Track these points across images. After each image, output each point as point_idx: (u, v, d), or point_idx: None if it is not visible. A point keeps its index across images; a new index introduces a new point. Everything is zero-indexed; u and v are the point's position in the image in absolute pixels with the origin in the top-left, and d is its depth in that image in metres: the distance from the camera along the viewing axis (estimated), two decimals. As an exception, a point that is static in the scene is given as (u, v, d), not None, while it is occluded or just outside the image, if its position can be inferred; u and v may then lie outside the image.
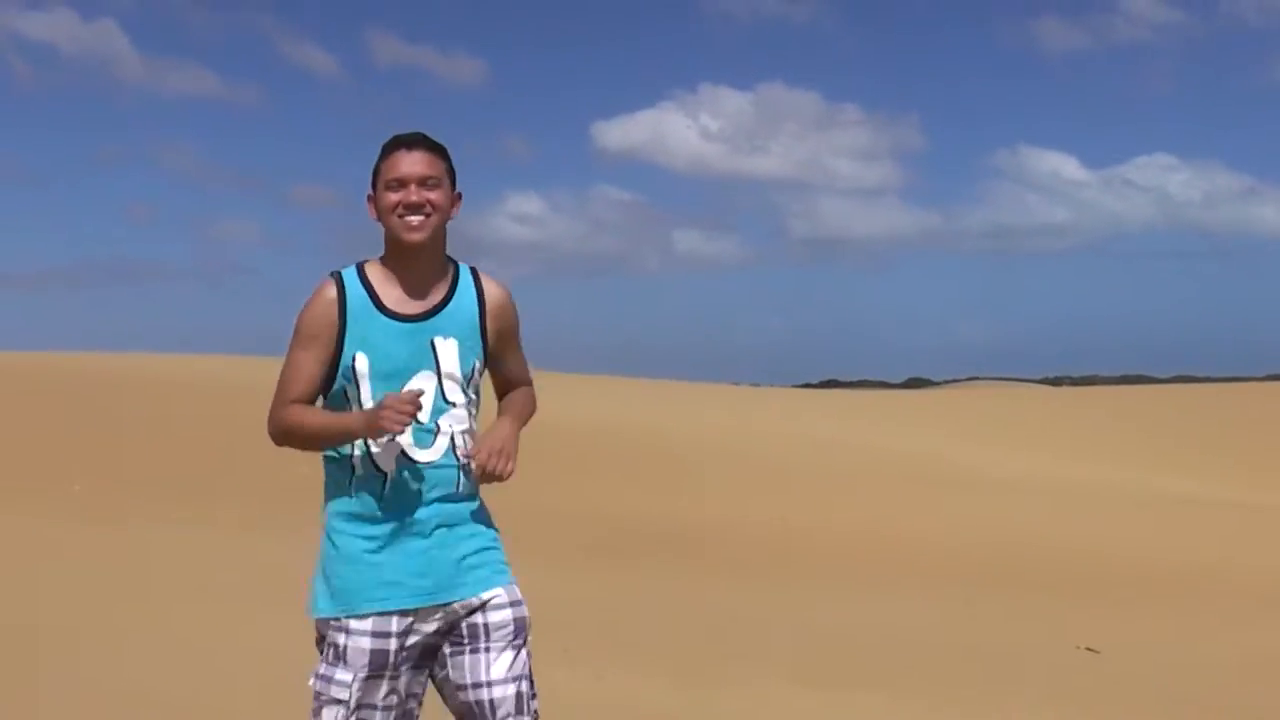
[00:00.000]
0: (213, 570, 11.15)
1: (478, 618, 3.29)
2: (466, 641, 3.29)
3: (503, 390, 3.54)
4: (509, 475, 3.29)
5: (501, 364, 3.48)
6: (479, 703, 3.26)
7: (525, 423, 3.48)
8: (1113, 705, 8.38)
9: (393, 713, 3.29)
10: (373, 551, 3.26)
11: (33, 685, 6.26)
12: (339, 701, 3.24)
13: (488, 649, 3.28)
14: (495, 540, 3.39)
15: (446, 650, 3.31)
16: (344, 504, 3.30)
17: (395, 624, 3.25)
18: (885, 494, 23.81)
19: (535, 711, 3.32)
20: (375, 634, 3.24)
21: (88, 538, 12.87)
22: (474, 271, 3.41)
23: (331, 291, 3.27)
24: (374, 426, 3.14)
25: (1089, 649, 10.46)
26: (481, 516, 3.38)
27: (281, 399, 3.29)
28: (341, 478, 3.31)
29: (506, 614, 3.30)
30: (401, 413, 3.11)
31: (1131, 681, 9.43)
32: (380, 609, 3.24)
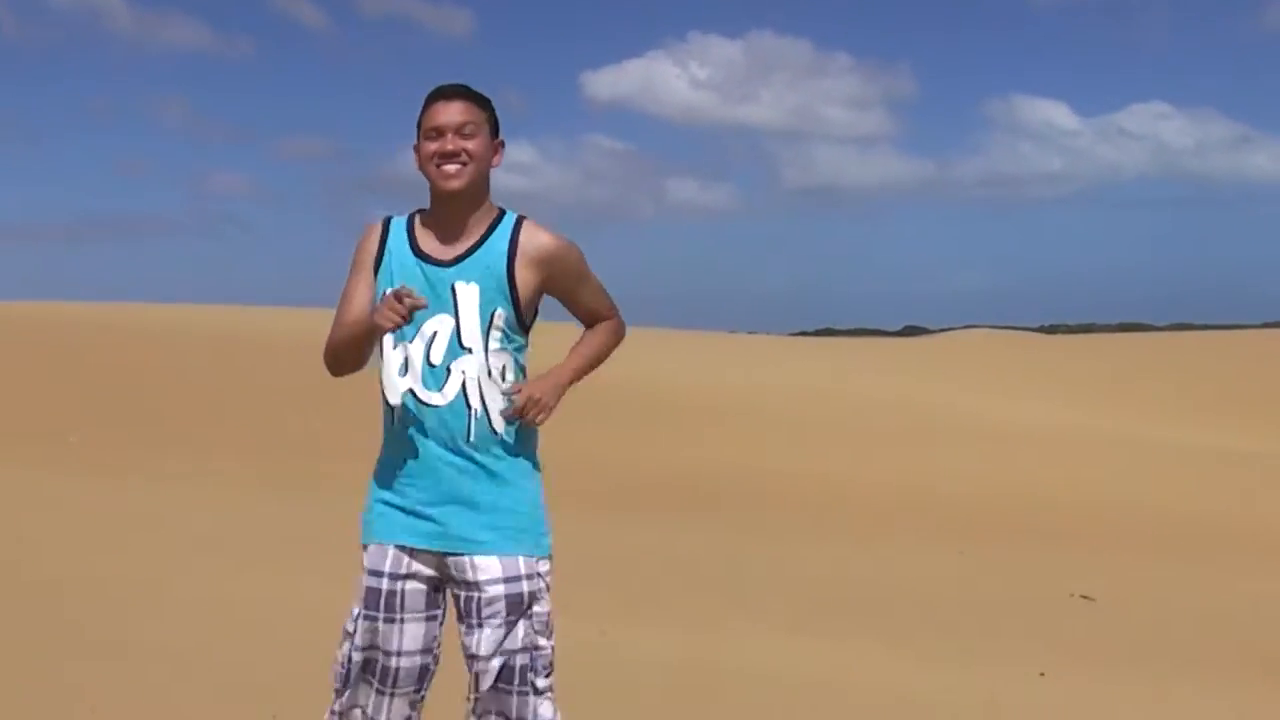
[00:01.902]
0: (213, 524, 11.17)
1: (473, 591, 3.28)
2: (462, 615, 3.32)
3: (585, 322, 3.58)
4: (540, 423, 3.34)
5: (572, 304, 3.50)
6: (473, 673, 3.32)
7: (590, 366, 3.53)
8: (1107, 652, 8.42)
9: (399, 659, 3.30)
10: (382, 485, 3.36)
11: (36, 640, 6.27)
12: (347, 635, 3.34)
13: (480, 625, 3.27)
14: (521, 504, 3.32)
15: (460, 619, 3.34)
16: (383, 437, 3.42)
17: (389, 562, 3.30)
18: (881, 443, 23.86)
19: (534, 684, 3.28)
20: (372, 571, 3.32)
21: (86, 489, 12.88)
22: (519, 220, 3.39)
23: (377, 229, 3.41)
24: (373, 321, 3.23)
25: (1084, 597, 10.51)
26: (509, 478, 3.32)
27: (334, 326, 3.42)
28: (383, 413, 3.41)
29: (498, 590, 3.26)
30: (391, 309, 3.16)
31: (1126, 629, 9.48)
32: (378, 540, 3.32)
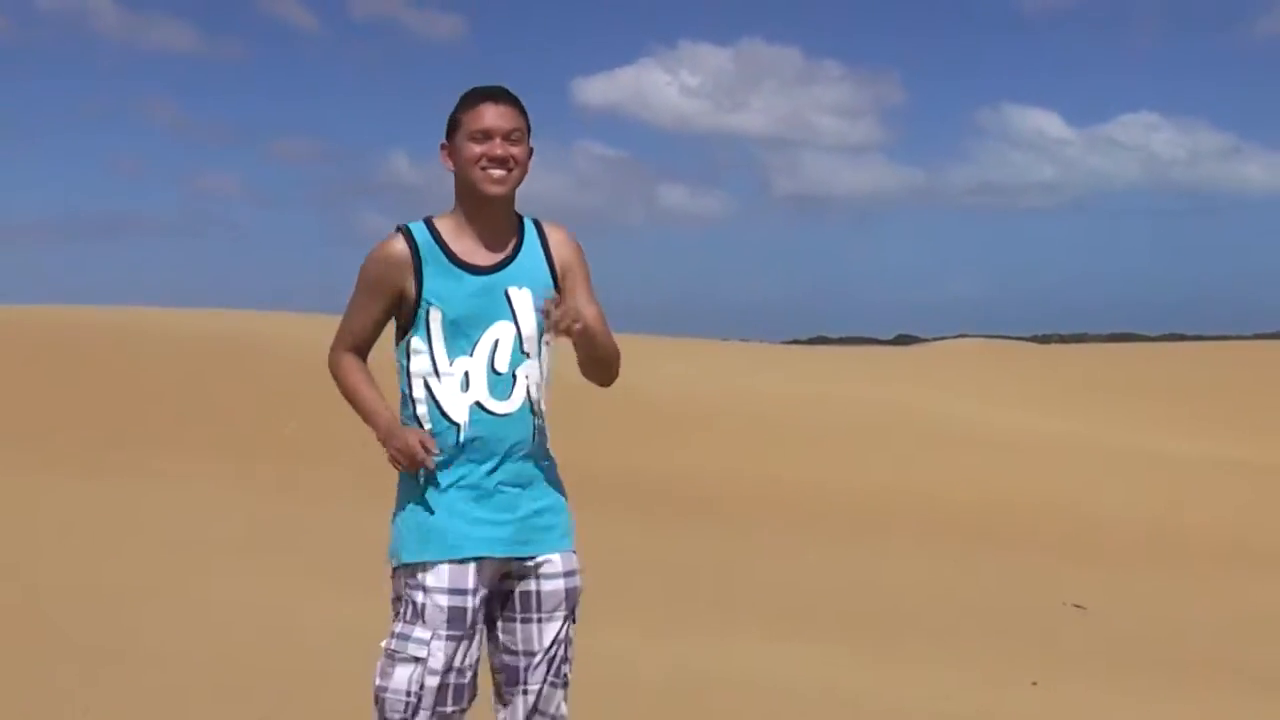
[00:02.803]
0: (200, 527, 11.12)
1: (531, 584, 3.31)
2: (519, 609, 3.31)
3: None
4: (578, 332, 3.16)
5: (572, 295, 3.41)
6: (518, 668, 3.32)
7: (605, 344, 3.37)
8: (1098, 662, 8.40)
9: (468, 674, 3.27)
10: (445, 503, 3.25)
11: (26, 643, 6.23)
12: (417, 660, 3.20)
13: (540, 619, 3.31)
14: (563, 505, 3.40)
15: (499, 612, 3.32)
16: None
17: (471, 578, 3.23)
18: (874, 450, 23.85)
19: (565, 676, 3.37)
20: (453, 590, 3.22)
21: (73, 492, 12.82)
22: (536, 221, 3.43)
23: (398, 245, 3.28)
24: (384, 443, 3.24)
25: (1075, 605, 10.49)
26: (552, 478, 3.39)
27: (340, 338, 3.40)
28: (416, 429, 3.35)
29: (559, 584, 3.33)
30: (411, 459, 3.18)
31: (1117, 638, 9.46)
32: (451, 557, 3.22)
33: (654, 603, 9.14)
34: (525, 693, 3.31)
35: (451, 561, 3.21)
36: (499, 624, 3.32)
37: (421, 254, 3.28)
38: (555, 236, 3.41)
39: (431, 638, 3.20)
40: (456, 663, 3.22)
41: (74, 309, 37.11)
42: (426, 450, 3.19)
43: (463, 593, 3.22)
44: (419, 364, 3.29)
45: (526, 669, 3.30)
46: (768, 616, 9.08)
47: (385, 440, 3.24)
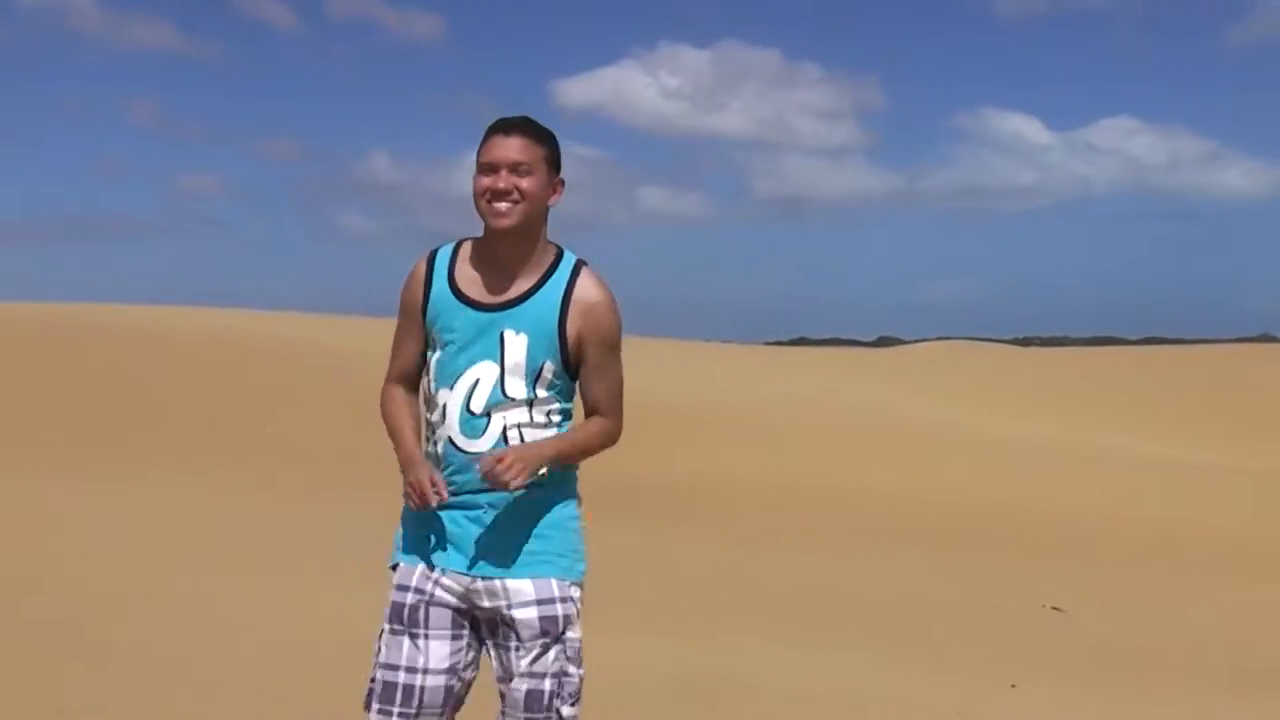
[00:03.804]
0: (190, 525, 11.12)
1: (505, 613, 3.25)
2: (500, 639, 3.29)
3: (588, 409, 3.37)
4: (511, 487, 3.13)
5: (583, 379, 3.31)
6: (503, 694, 3.29)
7: (577, 451, 3.30)
8: (1078, 663, 8.47)
9: (424, 678, 3.25)
10: (414, 513, 3.28)
11: (16, 641, 6.25)
12: (375, 653, 3.30)
13: (517, 648, 3.25)
14: (555, 528, 3.29)
15: (489, 643, 3.32)
16: None
17: (415, 578, 3.28)
18: (856, 453, 23.91)
19: (558, 711, 3.24)
20: (399, 586, 3.29)
21: (61, 491, 12.81)
22: (577, 267, 3.28)
23: (420, 266, 3.32)
24: (403, 475, 3.25)
25: (1055, 608, 10.56)
26: (547, 504, 3.29)
27: (390, 370, 3.40)
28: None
29: (532, 613, 3.23)
30: (421, 496, 3.17)
31: (1096, 641, 9.53)
32: (408, 562, 3.30)
33: (647, 605, 9.17)
34: None
35: (406, 563, 3.31)
36: (492, 657, 3.33)
37: (434, 274, 3.30)
38: (585, 295, 3.24)
39: (382, 633, 3.30)
40: (404, 662, 3.24)
41: (57, 306, 36.96)
42: (436, 491, 3.17)
43: (405, 589, 3.28)
44: (424, 384, 3.36)
45: (508, 695, 3.26)
46: (756, 618, 9.12)
47: (403, 472, 3.25)
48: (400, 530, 3.37)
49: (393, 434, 3.36)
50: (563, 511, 3.32)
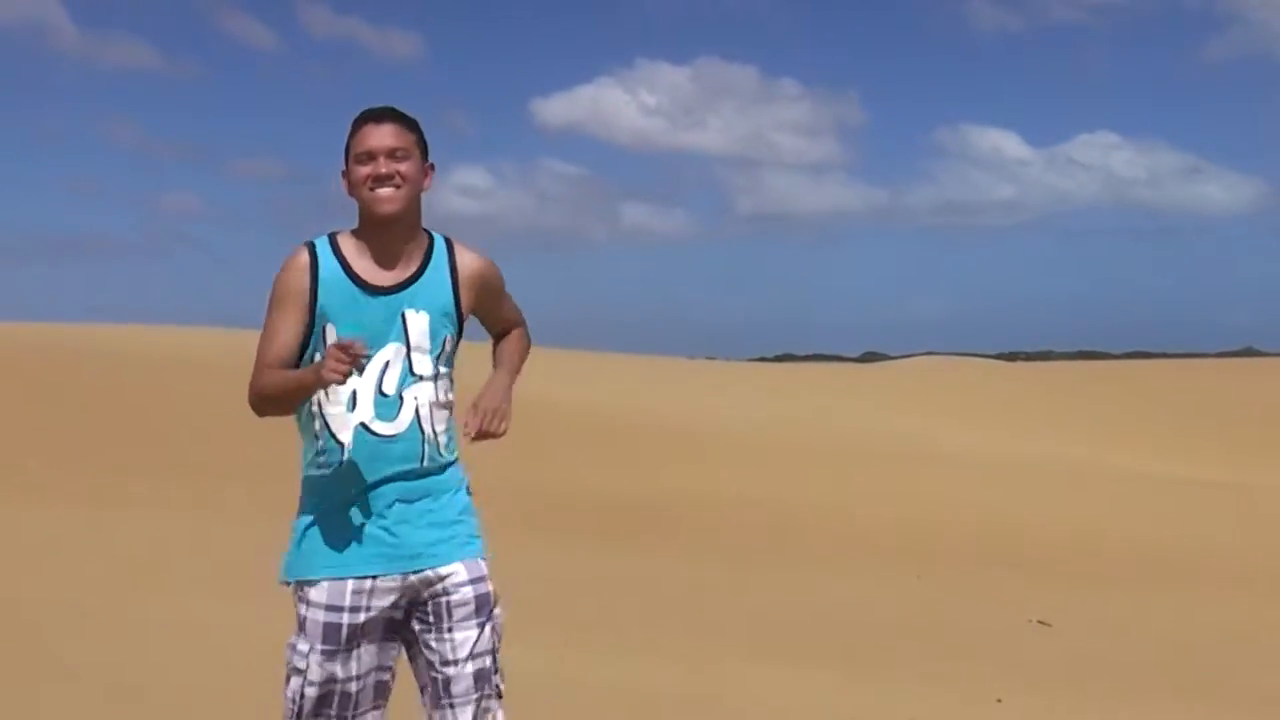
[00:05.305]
0: (162, 549, 11.05)
1: (441, 597, 3.29)
2: (432, 621, 3.29)
3: (498, 333, 3.61)
4: (504, 433, 3.37)
5: (492, 316, 3.55)
6: (438, 680, 3.28)
7: (519, 369, 3.57)
8: (1064, 678, 8.43)
9: (358, 683, 3.27)
10: (330, 521, 3.27)
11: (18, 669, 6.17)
12: (299, 671, 3.25)
13: (450, 629, 3.28)
14: (465, 511, 3.37)
15: (416, 629, 3.31)
16: (309, 471, 3.34)
17: (349, 596, 3.24)
18: (841, 469, 23.91)
19: (498, 687, 3.32)
20: (329, 606, 3.24)
21: (33, 515, 12.71)
22: (449, 243, 3.41)
23: (304, 258, 3.28)
24: (320, 377, 3.13)
25: (1041, 622, 10.54)
26: (450, 486, 3.36)
27: (258, 365, 3.29)
28: (309, 446, 3.34)
29: (467, 592, 3.29)
30: (339, 361, 3.06)
31: (1083, 655, 9.50)
32: (331, 575, 3.24)
33: (624, 623, 9.12)
34: (452, 706, 3.27)
35: (332, 579, 3.25)
36: (418, 643, 3.32)
37: (321, 270, 3.28)
38: (470, 266, 3.40)
39: (309, 651, 3.24)
40: (340, 674, 3.24)
41: (35, 326, 36.86)
42: (352, 344, 3.07)
43: (339, 609, 3.24)
44: None
45: (448, 682, 3.27)
46: (736, 636, 9.08)
47: (315, 372, 3.13)
48: (299, 544, 3.30)
49: (279, 383, 3.23)
50: (464, 492, 3.41)
